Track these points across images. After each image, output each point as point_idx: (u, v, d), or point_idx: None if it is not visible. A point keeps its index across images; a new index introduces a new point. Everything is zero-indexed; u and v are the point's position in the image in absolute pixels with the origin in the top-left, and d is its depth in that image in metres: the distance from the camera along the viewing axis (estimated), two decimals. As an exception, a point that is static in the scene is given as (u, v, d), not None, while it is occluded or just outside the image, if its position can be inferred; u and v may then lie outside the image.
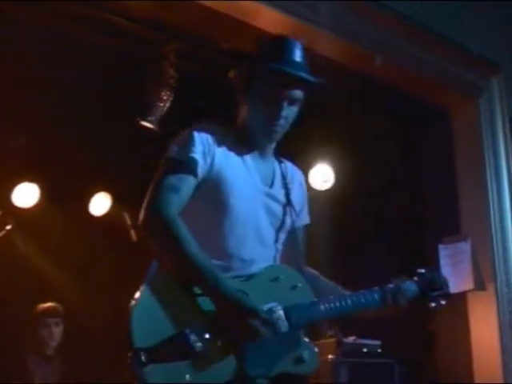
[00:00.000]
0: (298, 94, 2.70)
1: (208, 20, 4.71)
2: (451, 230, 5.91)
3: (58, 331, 5.57)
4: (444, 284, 2.99)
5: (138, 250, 6.15)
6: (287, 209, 2.80)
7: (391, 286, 2.83)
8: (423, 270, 2.98)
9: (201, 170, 2.59)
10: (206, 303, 2.46)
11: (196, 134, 2.63)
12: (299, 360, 2.58)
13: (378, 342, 5.58)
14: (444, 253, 5.80)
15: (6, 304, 5.92)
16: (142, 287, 2.44)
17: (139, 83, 5.33)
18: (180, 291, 2.48)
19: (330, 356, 5.27)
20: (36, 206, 6.60)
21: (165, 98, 5.33)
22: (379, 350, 5.56)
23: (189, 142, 2.61)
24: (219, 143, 2.67)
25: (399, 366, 5.52)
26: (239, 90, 2.76)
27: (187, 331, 2.34)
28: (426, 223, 6.18)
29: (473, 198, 5.91)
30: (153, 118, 5.36)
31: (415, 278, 2.94)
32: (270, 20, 4.78)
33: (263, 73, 2.68)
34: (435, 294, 2.97)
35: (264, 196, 2.75)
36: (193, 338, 2.34)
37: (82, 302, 6.03)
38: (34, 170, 6.49)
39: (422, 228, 6.21)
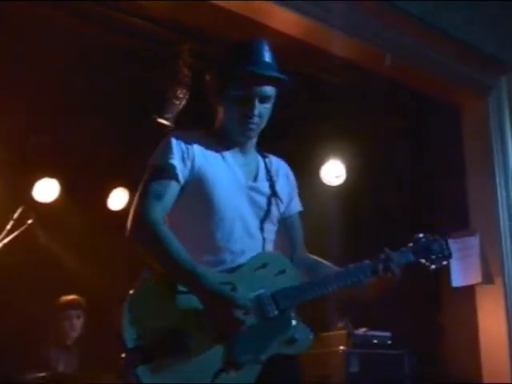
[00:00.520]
0: (269, 90, 2.75)
1: (223, 20, 4.71)
2: (460, 224, 5.91)
3: (79, 323, 5.62)
4: (443, 247, 2.98)
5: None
6: (272, 200, 2.85)
7: (381, 256, 2.82)
8: (421, 235, 2.97)
9: (181, 173, 2.68)
10: (192, 300, 2.51)
11: (173, 141, 2.71)
12: (291, 341, 2.61)
13: (387, 334, 5.58)
14: (453, 247, 5.75)
15: (27, 296, 5.95)
16: (132, 291, 2.53)
17: (156, 82, 5.35)
18: (168, 291, 2.54)
19: (341, 347, 5.27)
20: (56, 201, 6.64)
21: (180, 96, 5.35)
22: (389, 342, 5.55)
23: (167, 150, 2.69)
24: (198, 146, 2.75)
25: (409, 357, 5.51)
26: (213, 93, 2.83)
27: (177, 327, 2.43)
28: (436, 218, 6.17)
29: (481, 194, 5.90)
30: (169, 116, 5.39)
31: (410, 245, 2.93)
32: (284, 20, 4.79)
33: (234, 75, 2.74)
34: (434, 256, 2.95)
35: (248, 190, 2.81)
36: (183, 334, 2.43)
37: (99, 294, 6.05)
38: (54, 166, 6.53)
39: (433, 223, 6.20)
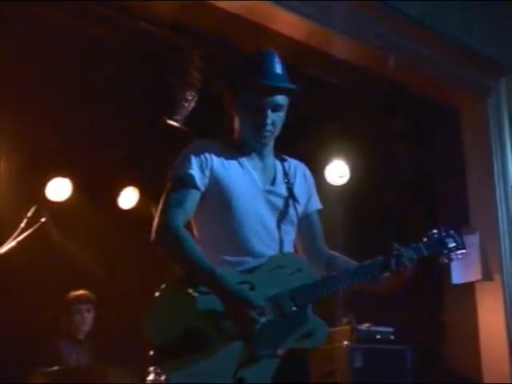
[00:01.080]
0: (280, 99, 2.83)
1: (229, 24, 4.72)
2: (461, 223, 5.90)
3: (89, 317, 5.63)
4: (457, 241, 3.05)
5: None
6: (290, 201, 2.92)
7: (393, 251, 2.87)
8: (435, 231, 3.04)
9: (200, 182, 2.78)
10: (213, 300, 2.60)
11: (192, 152, 2.82)
12: (308, 335, 2.70)
13: (390, 329, 5.57)
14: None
15: (40, 291, 5.97)
16: (157, 292, 2.63)
17: (166, 84, 5.36)
18: (192, 291, 2.63)
19: (345, 342, 5.27)
20: (68, 200, 6.66)
21: (190, 98, 5.36)
22: (392, 337, 5.55)
23: (186, 161, 2.80)
24: (216, 154, 2.84)
25: (411, 352, 5.51)
26: (228, 103, 2.93)
27: (201, 326, 2.54)
28: (437, 218, 6.17)
29: (481, 193, 5.91)
30: (178, 117, 5.40)
31: (424, 239, 3.00)
32: (287, 23, 4.79)
33: (247, 86, 2.83)
34: (446, 251, 3.02)
35: (266, 193, 2.89)
36: (205, 332, 2.54)
37: (110, 290, 6.07)
38: (66, 167, 6.55)
39: (434, 222, 6.20)
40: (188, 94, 5.35)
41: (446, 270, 5.67)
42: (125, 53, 5.23)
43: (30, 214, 5.58)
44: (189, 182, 2.76)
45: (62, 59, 5.09)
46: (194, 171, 2.77)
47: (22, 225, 5.48)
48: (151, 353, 2.53)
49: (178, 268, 2.70)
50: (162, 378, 4.66)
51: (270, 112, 2.81)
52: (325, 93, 5.74)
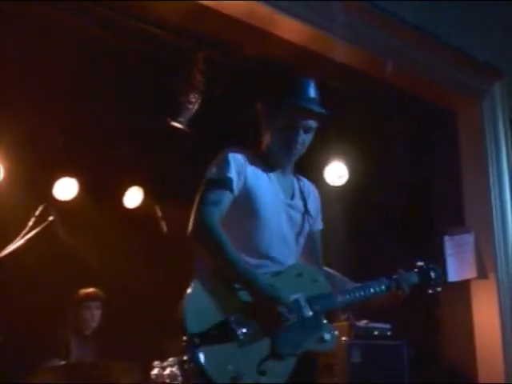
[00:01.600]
0: (312, 123, 3.04)
1: (232, 28, 4.72)
2: (456, 223, 5.92)
3: (97, 314, 5.68)
4: (439, 275, 3.33)
5: (167, 240, 6.21)
6: (305, 216, 3.12)
7: (395, 276, 3.14)
8: (422, 263, 3.30)
9: (236, 186, 2.91)
10: (244, 295, 2.76)
11: (230, 157, 2.94)
12: (321, 340, 2.89)
13: (388, 326, 5.57)
14: (449, 244, 5.84)
15: (48, 288, 5.98)
16: (193, 283, 2.75)
17: (171, 86, 5.36)
18: (223, 286, 2.79)
19: (343, 338, 5.27)
20: (75, 199, 6.68)
21: (193, 100, 5.36)
22: (389, 333, 5.55)
23: (225, 164, 2.93)
24: (249, 163, 2.99)
25: (408, 348, 5.51)
26: (263, 121, 3.08)
27: (231, 319, 2.68)
28: (434, 217, 6.18)
29: (476, 194, 5.90)
30: (182, 119, 5.40)
31: (415, 270, 3.27)
32: (289, 28, 4.79)
33: (284, 108, 2.99)
34: (432, 282, 3.31)
35: (286, 206, 3.06)
36: (235, 324, 2.68)
37: (115, 287, 6.07)
38: (73, 167, 6.56)
39: (431, 221, 6.20)
40: (192, 96, 5.35)
41: (441, 269, 5.66)
42: (132, 56, 5.23)
43: (38, 213, 5.59)
44: (226, 185, 2.88)
45: (62, 59, 5.07)
46: (233, 175, 2.90)
47: (31, 223, 5.48)
48: (184, 339, 2.63)
49: (211, 263, 2.81)
50: (165, 372, 4.68)
51: (302, 132, 2.99)
52: (325, 95, 5.73)
